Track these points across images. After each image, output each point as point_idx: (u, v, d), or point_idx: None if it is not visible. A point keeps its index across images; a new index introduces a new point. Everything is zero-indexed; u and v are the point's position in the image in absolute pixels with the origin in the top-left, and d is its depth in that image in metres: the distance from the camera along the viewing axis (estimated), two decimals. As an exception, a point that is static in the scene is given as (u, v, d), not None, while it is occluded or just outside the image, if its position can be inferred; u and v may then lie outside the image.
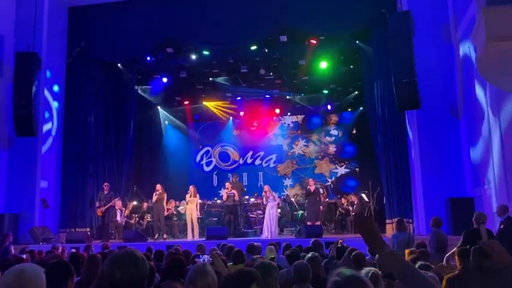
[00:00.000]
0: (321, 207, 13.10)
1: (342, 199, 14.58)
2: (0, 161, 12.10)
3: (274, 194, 12.56)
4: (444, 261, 5.66)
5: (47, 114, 12.77)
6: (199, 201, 13.03)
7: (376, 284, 3.12)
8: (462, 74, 10.26)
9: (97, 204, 12.86)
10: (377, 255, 4.02)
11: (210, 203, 14.66)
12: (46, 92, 12.73)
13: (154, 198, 12.68)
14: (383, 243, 1.88)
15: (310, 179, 13.35)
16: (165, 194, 12.94)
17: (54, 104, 13.13)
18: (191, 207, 12.49)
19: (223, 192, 13.19)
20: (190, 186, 12.90)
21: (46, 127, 12.70)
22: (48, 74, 12.67)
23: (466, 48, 9.80)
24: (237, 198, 12.85)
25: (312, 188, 12.71)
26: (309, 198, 12.85)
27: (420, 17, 10.62)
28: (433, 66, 10.69)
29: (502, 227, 6.68)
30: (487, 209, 8.46)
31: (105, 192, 12.80)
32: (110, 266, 1.92)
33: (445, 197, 10.14)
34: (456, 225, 9.20)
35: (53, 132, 13.03)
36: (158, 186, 12.86)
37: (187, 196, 12.70)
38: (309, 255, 4.65)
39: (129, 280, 1.90)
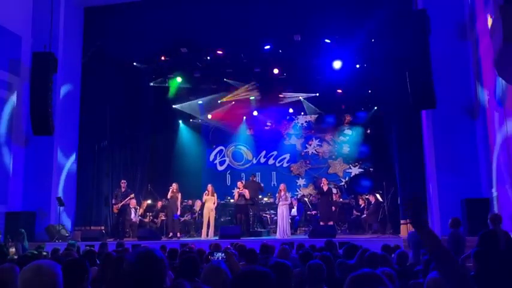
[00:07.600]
0: (333, 207, 13.04)
1: (360, 200, 14.44)
2: (17, 159, 12.29)
3: (287, 194, 12.54)
4: (459, 262, 5.59)
5: (62, 114, 12.91)
6: (214, 200, 13.06)
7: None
8: (478, 74, 10.12)
9: (113, 201, 12.96)
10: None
11: (224, 202, 14.68)
12: (62, 92, 12.88)
13: (169, 195, 12.91)
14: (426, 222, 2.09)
15: (323, 179, 13.27)
16: (180, 194, 13.01)
17: (70, 103, 13.27)
18: (209, 205, 12.51)
19: (235, 192, 13.20)
20: (208, 185, 12.92)
21: (62, 126, 12.83)
22: (64, 73, 12.80)
23: (482, 48, 9.67)
24: (248, 197, 12.78)
25: (325, 188, 12.66)
26: (322, 198, 12.79)
27: (436, 15, 10.45)
28: (448, 65, 10.56)
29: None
30: (503, 211, 8.35)
31: (123, 189, 12.90)
32: (130, 265, 1.94)
33: (460, 198, 10.01)
34: (472, 227, 9.10)
35: (69, 131, 13.17)
36: (174, 185, 12.97)
37: (204, 195, 12.73)
38: (323, 255, 4.63)
39: (148, 278, 1.92)
